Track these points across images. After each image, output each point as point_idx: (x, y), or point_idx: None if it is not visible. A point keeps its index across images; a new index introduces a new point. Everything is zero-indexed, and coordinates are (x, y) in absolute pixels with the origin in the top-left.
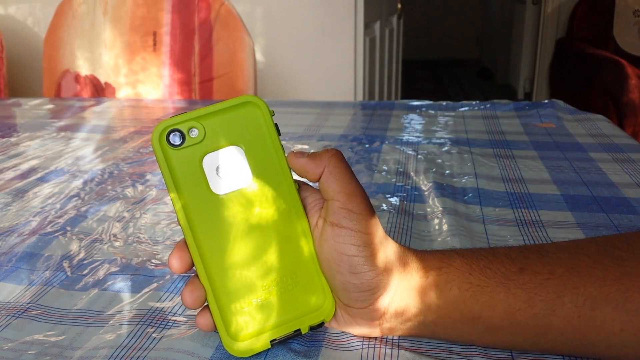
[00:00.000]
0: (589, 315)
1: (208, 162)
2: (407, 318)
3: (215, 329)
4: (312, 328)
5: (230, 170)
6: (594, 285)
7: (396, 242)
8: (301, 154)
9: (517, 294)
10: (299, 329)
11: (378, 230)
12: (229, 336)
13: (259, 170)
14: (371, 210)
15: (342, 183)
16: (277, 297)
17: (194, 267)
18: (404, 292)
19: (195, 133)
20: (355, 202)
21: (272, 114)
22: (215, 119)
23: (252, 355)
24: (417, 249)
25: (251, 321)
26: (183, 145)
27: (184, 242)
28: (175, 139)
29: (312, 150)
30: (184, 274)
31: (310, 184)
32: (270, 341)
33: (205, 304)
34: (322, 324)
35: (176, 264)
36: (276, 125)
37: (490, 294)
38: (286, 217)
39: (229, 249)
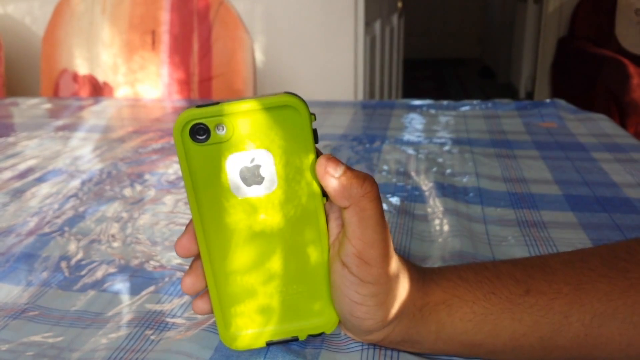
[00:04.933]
0: (596, 332)
1: (232, 162)
2: (405, 345)
3: (210, 313)
4: (310, 336)
5: (254, 175)
6: (601, 300)
7: (403, 265)
8: (334, 167)
9: (522, 319)
10: (297, 336)
11: (391, 278)
12: (226, 329)
13: (287, 179)
14: (388, 260)
15: (364, 230)
16: (280, 303)
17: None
18: (403, 327)
19: (222, 130)
20: (372, 254)
21: (313, 119)
22: (247, 118)
23: (251, 356)
24: (420, 266)
25: (250, 321)
26: (207, 142)
27: (193, 232)
28: (199, 134)
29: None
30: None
31: None
32: (267, 342)
33: (206, 289)
34: (321, 333)
35: (182, 251)
36: (314, 132)
37: (494, 322)
38: (306, 230)
39: (239, 252)
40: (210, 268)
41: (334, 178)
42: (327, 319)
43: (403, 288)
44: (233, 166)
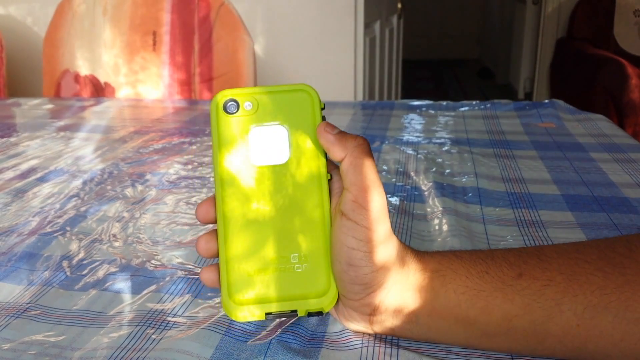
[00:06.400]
0: (589, 323)
1: (254, 133)
2: (401, 317)
3: (216, 286)
4: (310, 314)
5: (271, 145)
6: (594, 293)
7: (400, 241)
8: (332, 128)
9: (514, 300)
10: (296, 311)
11: (384, 228)
12: (229, 297)
13: (297, 152)
14: (382, 208)
15: (359, 176)
16: (284, 274)
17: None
18: (398, 291)
19: (249, 106)
20: (367, 198)
21: (323, 107)
22: (269, 97)
23: (252, 354)
24: (417, 249)
25: (253, 289)
26: (236, 114)
27: (214, 201)
28: (231, 107)
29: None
30: (185, 275)
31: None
32: (266, 314)
33: (215, 261)
34: (320, 312)
35: (201, 215)
36: (323, 118)
37: (486, 299)
38: (311, 202)
39: (251, 217)
40: (223, 233)
41: (331, 134)
42: (327, 295)
43: (397, 247)
44: (254, 136)
